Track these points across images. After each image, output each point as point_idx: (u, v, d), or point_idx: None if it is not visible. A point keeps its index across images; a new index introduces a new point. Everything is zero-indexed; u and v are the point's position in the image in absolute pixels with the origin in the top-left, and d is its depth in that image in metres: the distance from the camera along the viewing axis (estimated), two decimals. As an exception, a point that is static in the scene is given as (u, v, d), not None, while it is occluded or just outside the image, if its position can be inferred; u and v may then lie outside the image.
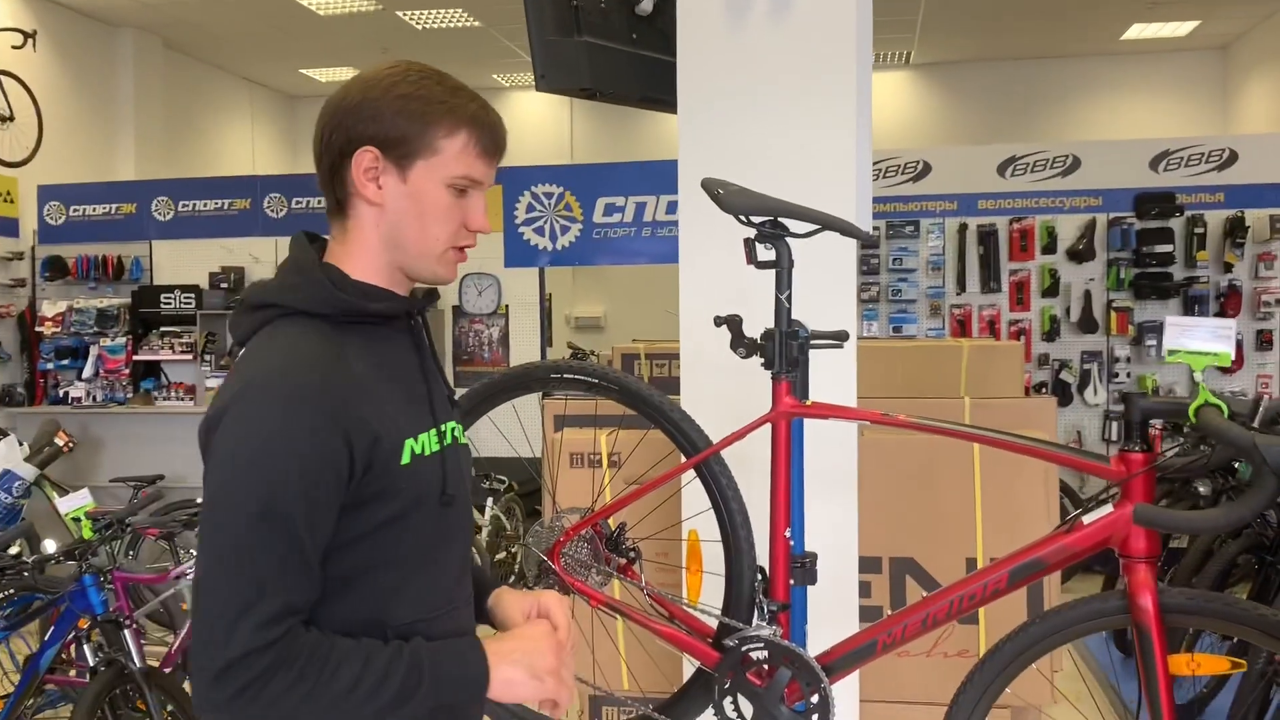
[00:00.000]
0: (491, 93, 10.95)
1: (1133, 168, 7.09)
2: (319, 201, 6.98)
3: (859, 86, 2.43)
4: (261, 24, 9.39)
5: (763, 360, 1.84)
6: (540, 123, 11.29)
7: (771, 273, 1.84)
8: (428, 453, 1.35)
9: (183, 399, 7.49)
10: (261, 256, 7.58)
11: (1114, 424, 7.12)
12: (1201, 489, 5.00)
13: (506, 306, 7.47)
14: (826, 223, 1.78)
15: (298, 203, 7.29)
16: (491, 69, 10.57)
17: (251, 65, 10.96)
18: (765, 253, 1.82)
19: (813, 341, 1.86)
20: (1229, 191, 6.95)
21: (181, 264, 7.74)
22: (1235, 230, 6.90)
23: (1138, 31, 9.33)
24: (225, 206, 7.43)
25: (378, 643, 1.27)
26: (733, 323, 1.85)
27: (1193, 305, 6.99)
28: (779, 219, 1.79)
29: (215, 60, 10.67)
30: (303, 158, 11.93)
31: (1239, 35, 9.56)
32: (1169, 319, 1.55)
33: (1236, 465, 4.46)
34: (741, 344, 1.84)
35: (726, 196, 1.78)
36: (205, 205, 7.44)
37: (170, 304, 7.55)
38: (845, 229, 1.82)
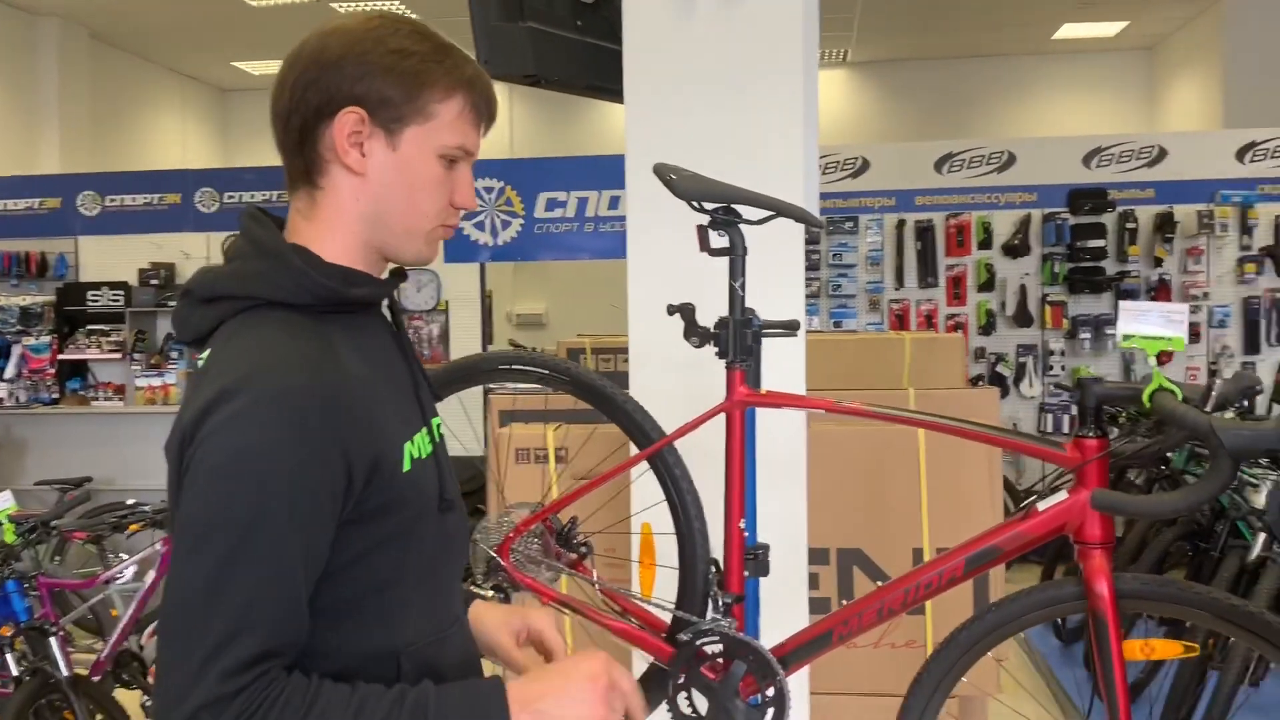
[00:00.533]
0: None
1: (1066, 164, 7.22)
2: (254, 195, 6.83)
3: (806, 79, 2.42)
4: (192, 15, 9.16)
5: (717, 349, 1.82)
6: (479, 117, 11.17)
7: (722, 263, 1.82)
8: (424, 455, 1.21)
9: (111, 399, 7.28)
10: (193, 252, 7.40)
11: (1049, 416, 7.24)
12: (1135, 479, 5.11)
13: (446, 303, 7.37)
14: (780, 209, 1.76)
15: (230, 198, 7.12)
16: (429, 63, 10.43)
17: (182, 57, 10.70)
18: (718, 240, 1.80)
19: (765, 330, 1.84)
20: (1159, 187, 7.10)
21: (109, 260, 7.51)
22: (1165, 225, 7.05)
23: (1069, 31, 9.51)
24: (155, 201, 7.22)
25: (377, 689, 1.08)
26: (686, 311, 1.82)
27: (1124, 299, 7.13)
28: (732, 205, 1.76)
29: (144, 52, 10.39)
30: (236, 152, 11.69)
31: (1165, 37, 9.79)
32: (1123, 304, 1.56)
33: (1170, 455, 4.55)
34: (695, 333, 1.81)
35: (679, 182, 1.75)
36: (134, 200, 7.23)
37: (97, 301, 7.33)
38: (799, 215, 1.80)
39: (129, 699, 3.95)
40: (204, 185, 7.20)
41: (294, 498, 1.05)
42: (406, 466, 1.16)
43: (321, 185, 1.21)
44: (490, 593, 1.93)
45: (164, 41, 10.02)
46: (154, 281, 7.38)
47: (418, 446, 1.20)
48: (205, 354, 1.17)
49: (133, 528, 4.22)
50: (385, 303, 1.30)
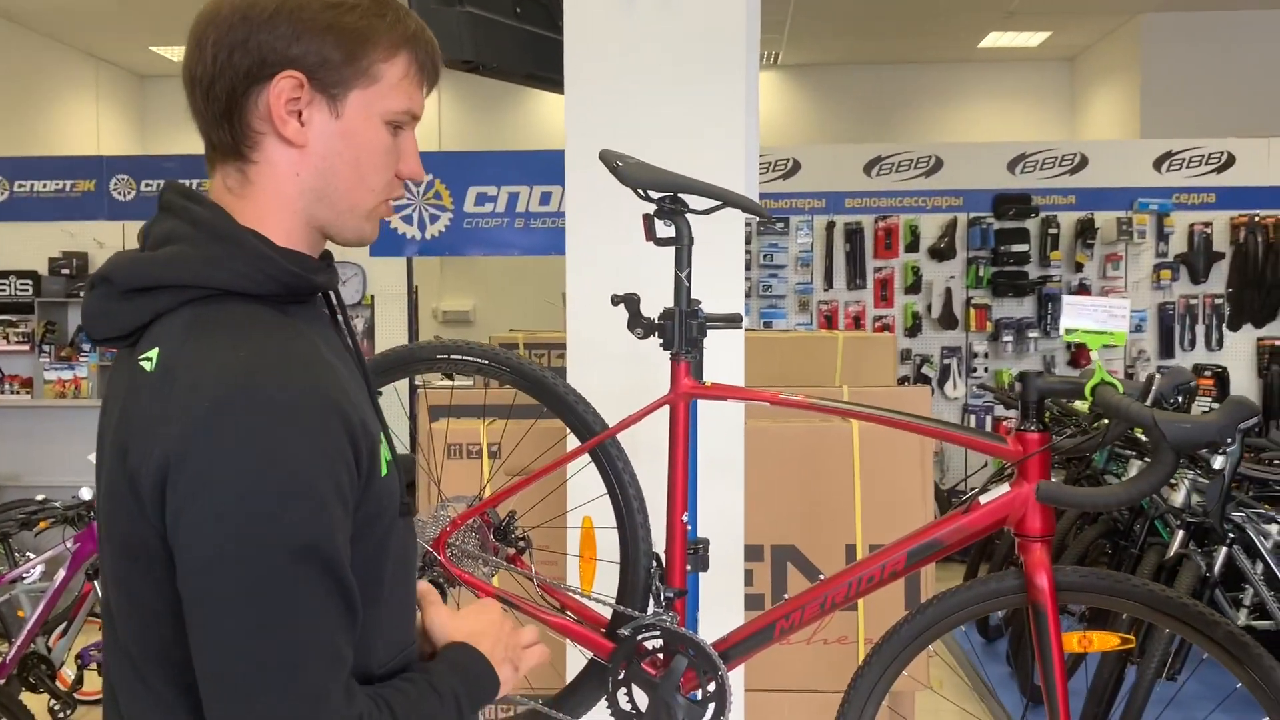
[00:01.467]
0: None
1: (991, 170, 7.35)
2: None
3: (748, 71, 2.41)
4: (108, -4, 8.86)
5: (661, 340, 1.79)
6: (407, 109, 10.99)
7: (662, 256, 1.79)
8: (390, 457, 1.10)
9: (18, 392, 7.01)
10: (107, 241, 7.16)
11: (972, 417, 7.37)
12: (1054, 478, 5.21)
13: (372, 297, 7.24)
14: (728, 199, 1.74)
15: (147, 185, 6.89)
16: (356, 54, 10.26)
17: (97, 40, 10.34)
18: (665, 230, 1.77)
19: (709, 323, 1.82)
20: (1080, 194, 7.28)
21: (17, 248, 7.23)
22: (1085, 231, 7.23)
23: (994, 40, 9.70)
24: (67, 188, 6.96)
25: (410, 686, 1.07)
26: (630, 302, 1.79)
27: (1046, 303, 7.29)
28: (679, 194, 1.74)
29: (57, 34, 10.02)
30: (154, 141, 11.34)
31: (1086, 48, 10.05)
32: (1066, 299, 1.57)
33: (1092, 457, 4.65)
34: (639, 324, 1.78)
35: (626, 169, 1.72)
36: (44, 186, 6.96)
37: (4, 291, 7.08)
38: (746, 205, 1.78)
39: (36, 703, 3.80)
40: (120, 172, 6.96)
41: (335, 507, 0.95)
42: (385, 471, 1.06)
43: (254, 159, 1.06)
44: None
45: (78, 23, 9.67)
46: (65, 271, 7.15)
47: (386, 448, 1.09)
48: (152, 354, 1.00)
49: (42, 525, 4.06)
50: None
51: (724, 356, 2.30)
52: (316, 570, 0.93)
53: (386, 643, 1.10)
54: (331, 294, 1.17)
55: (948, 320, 7.38)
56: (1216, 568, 3.55)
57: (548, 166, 6.07)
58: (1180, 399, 1.65)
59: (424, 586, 1.25)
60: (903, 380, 7.27)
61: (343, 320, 1.17)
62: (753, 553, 2.81)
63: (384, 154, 1.10)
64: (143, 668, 1.03)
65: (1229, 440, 1.44)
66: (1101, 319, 1.56)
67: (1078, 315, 1.56)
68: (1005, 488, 1.66)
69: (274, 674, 0.92)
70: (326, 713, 0.93)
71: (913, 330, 7.42)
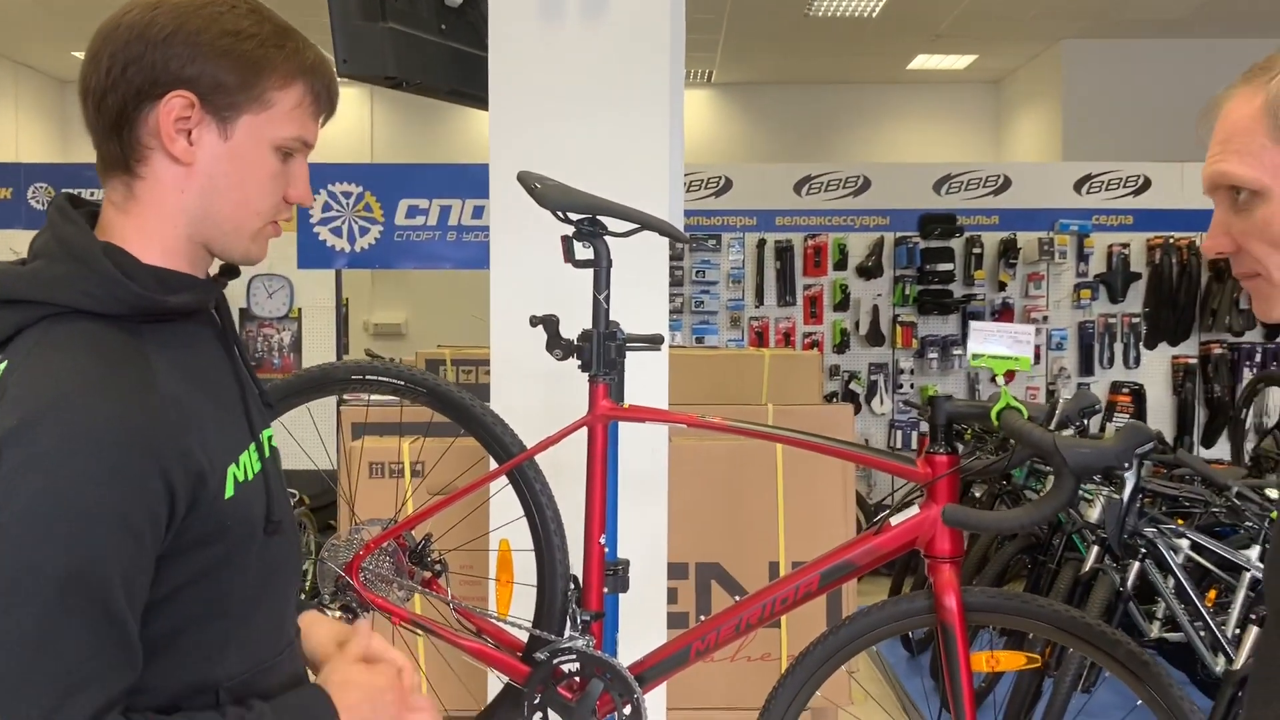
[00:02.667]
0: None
1: (917, 190, 7.48)
2: (96, 194, 6.46)
3: (673, 92, 2.42)
4: (28, -1, 8.64)
5: (580, 362, 1.79)
6: (339, 119, 10.64)
7: (586, 275, 1.80)
8: (250, 477, 1.11)
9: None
10: (22, 250, 6.94)
11: (899, 432, 7.47)
12: (977, 494, 5.31)
13: (299, 310, 7.12)
14: (646, 222, 1.75)
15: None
16: (287, 63, 10.13)
17: (17, 45, 10.07)
18: (583, 251, 1.77)
19: (629, 344, 1.83)
20: (1003, 215, 7.44)
21: (-72, 257, 6.99)
22: (1008, 251, 7.38)
23: (921, 63, 9.89)
24: (-18, 195, 6.77)
25: (215, 716, 1.06)
26: (549, 323, 1.79)
27: (969, 321, 7.43)
28: (598, 216, 1.75)
29: (-28, 36, 9.75)
30: (74, 146, 11.06)
31: (1010, 71, 10.30)
32: (973, 324, 1.60)
33: (1012, 473, 4.74)
34: (558, 345, 1.79)
35: (544, 191, 1.73)
36: (-42, 193, 6.76)
37: (-86, 300, 6.81)
38: (664, 229, 1.79)
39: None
40: (38, 180, 6.78)
41: (115, 538, 0.97)
42: (229, 493, 1.07)
43: (141, 175, 1.09)
44: (338, 613, 1.85)
45: (-3, 26, 9.42)
46: (-21, 281, 6.91)
47: (243, 468, 1.10)
48: (2, 365, 1.04)
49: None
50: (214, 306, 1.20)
51: (647, 376, 2.31)
52: (75, 598, 0.96)
53: (240, 655, 1.11)
54: (217, 304, 1.19)
55: (875, 337, 7.48)
56: (1130, 582, 3.63)
57: (481, 180, 6.01)
58: (1085, 422, 1.69)
59: (358, 627, 1.26)
60: (831, 396, 7.35)
61: (227, 329, 1.19)
62: (677, 570, 2.82)
63: (271, 179, 1.13)
64: None
65: (1126, 465, 1.48)
66: (1008, 344, 1.59)
67: (984, 341, 1.60)
68: (915, 509, 1.69)
69: (20, 697, 0.94)
70: None
71: (841, 347, 7.51)
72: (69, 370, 1.00)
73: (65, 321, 1.04)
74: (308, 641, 1.28)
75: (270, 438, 1.21)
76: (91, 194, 1.21)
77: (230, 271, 1.20)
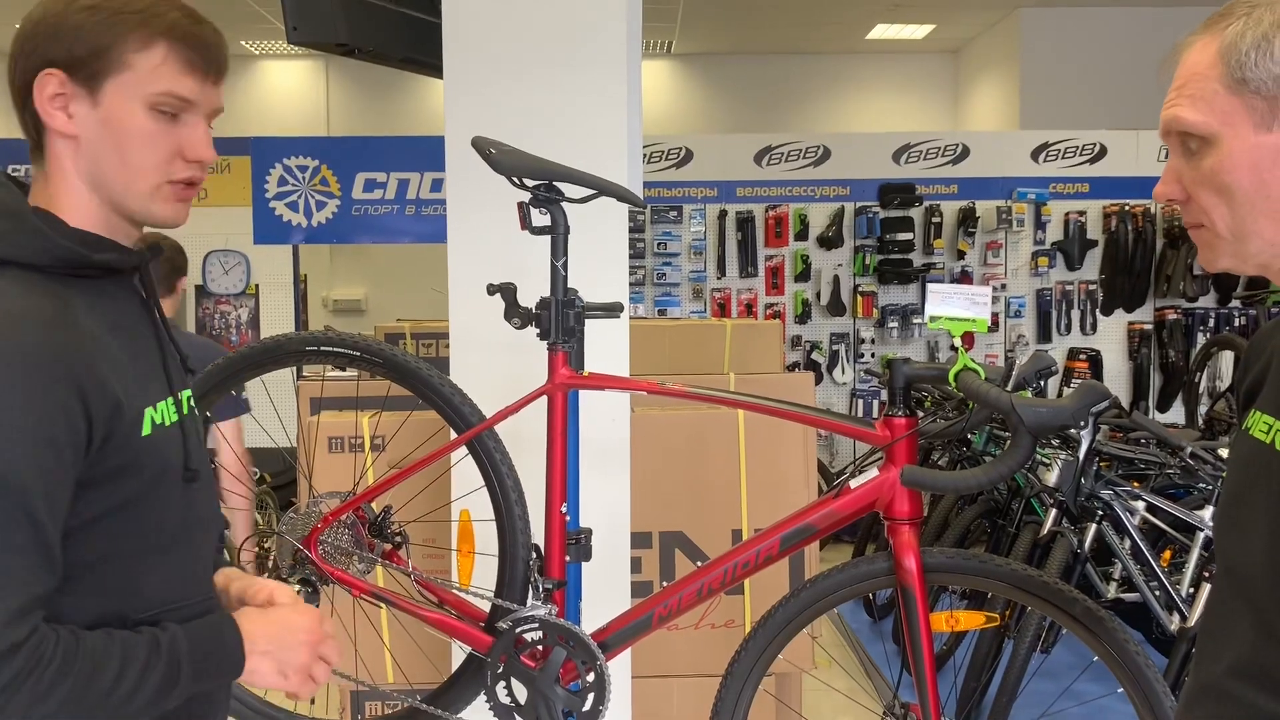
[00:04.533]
0: (240, 60, 10.29)
1: (877, 160, 7.50)
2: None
3: (630, 60, 2.40)
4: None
5: (538, 330, 1.78)
6: (293, 92, 10.72)
7: (545, 242, 1.78)
8: (167, 423, 1.21)
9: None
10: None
11: (860, 401, 7.53)
12: (938, 459, 5.37)
13: (256, 286, 7.04)
14: (602, 188, 1.73)
15: None
16: (240, 34, 9.93)
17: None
18: (540, 219, 1.76)
19: (588, 312, 1.81)
20: (961, 184, 7.48)
21: None
22: (967, 220, 7.44)
23: (880, 32, 9.89)
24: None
25: (131, 635, 1.14)
26: (506, 291, 1.77)
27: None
28: (554, 182, 1.73)
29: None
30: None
31: (968, 40, 10.33)
32: (931, 286, 1.60)
33: (971, 435, 4.80)
34: (516, 314, 1.77)
35: (499, 156, 1.70)
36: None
37: None
38: (621, 194, 1.78)
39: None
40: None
41: (36, 451, 1.06)
42: (146, 430, 1.17)
43: (46, 153, 1.21)
44: (297, 586, 1.83)
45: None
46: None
47: (160, 414, 1.20)
48: None
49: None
50: (139, 275, 1.28)
51: (608, 345, 2.30)
52: (3, 505, 1.05)
53: (154, 592, 1.20)
54: (143, 276, 1.28)
55: (836, 307, 7.52)
56: (1087, 544, 3.69)
57: (439, 153, 5.96)
58: (1042, 383, 1.70)
59: (284, 591, 1.33)
60: (793, 366, 7.38)
61: (151, 298, 1.28)
62: (640, 540, 2.82)
63: (148, 137, 1.20)
64: None
65: (1082, 423, 1.49)
66: (965, 306, 1.60)
67: (941, 303, 1.60)
68: (874, 472, 1.70)
69: None
70: None
71: (802, 317, 7.54)
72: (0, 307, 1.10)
73: None
74: (231, 588, 1.35)
75: (189, 398, 1.29)
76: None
77: (155, 248, 1.29)
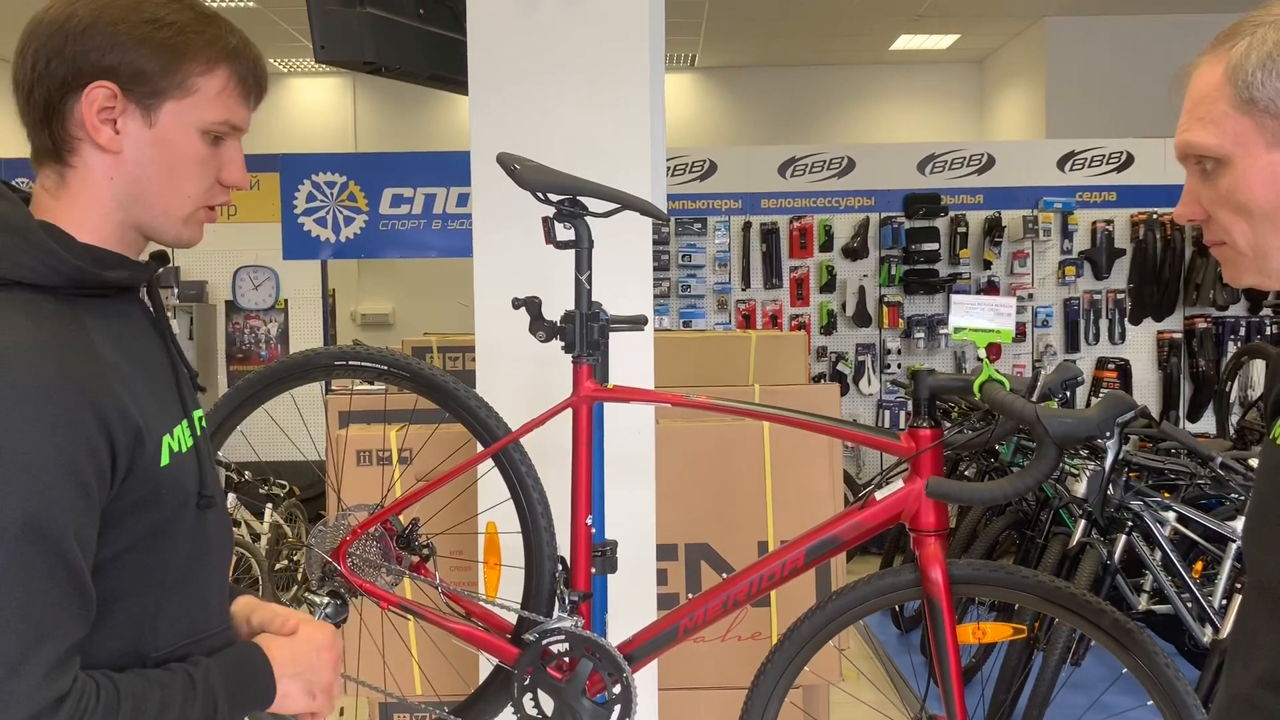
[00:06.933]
0: (269, 78, 10.31)
1: (902, 170, 7.49)
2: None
3: (653, 74, 2.41)
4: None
5: (563, 343, 1.79)
6: (321, 109, 10.83)
7: (570, 256, 1.79)
8: (184, 449, 1.16)
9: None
10: None
11: (886, 412, 7.49)
12: (965, 471, 5.34)
13: (286, 301, 7.10)
14: (626, 202, 1.74)
15: None
16: (269, 52, 10.07)
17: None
18: (564, 233, 1.77)
19: (612, 325, 1.83)
20: (987, 193, 7.45)
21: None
22: (993, 230, 7.40)
23: (904, 43, 9.88)
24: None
25: (165, 673, 1.10)
26: (531, 305, 1.79)
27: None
28: (578, 197, 1.74)
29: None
30: None
31: (993, 50, 10.30)
32: (954, 298, 1.61)
33: (999, 447, 4.77)
34: (541, 327, 1.78)
35: (523, 172, 1.72)
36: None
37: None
38: (644, 208, 1.79)
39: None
40: None
41: (65, 491, 1.01)
42: (165, 461, 1.12)
43: (72, 164, 1.13)
44: (325, 599, 1.85)
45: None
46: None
47: (177, 440, 1.15)
48: None
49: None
50: (145, 290, 1.23)
51: (633, 358, 2.31)
52: (32, 546, 0.99)
53: (172, 627, 1.15)
54: (150, 290, 1.22)
55: (862, 318, 7.50)
56: (1117, 555, 3.66)
57: (465, 167, 6.01)
58: (1067, 393, 1.70)
59: (308, 620, 1.30)
60: (819, 377, 7.37)
61: (159, 314, 1.23)
62: (666, 552, 2.83)
63: (199, 163, 1.16)
64: None
65: (1107, 434, 1.48)
66: (989, 317, 1.60)
67: (965, 314, 1.60)
68: (900, 484, 1.70)
69: None
70: (14, 685, 0.97)
71: (828, 328, 7.52)
72: (9, 334, 1.03)
73: (3, 291, 1.07)
74: (252, 619, 1.31)
75: (201, 418, 1.24)
76: (23, 183, 1.25)
77: (160, 258, 1.23)
